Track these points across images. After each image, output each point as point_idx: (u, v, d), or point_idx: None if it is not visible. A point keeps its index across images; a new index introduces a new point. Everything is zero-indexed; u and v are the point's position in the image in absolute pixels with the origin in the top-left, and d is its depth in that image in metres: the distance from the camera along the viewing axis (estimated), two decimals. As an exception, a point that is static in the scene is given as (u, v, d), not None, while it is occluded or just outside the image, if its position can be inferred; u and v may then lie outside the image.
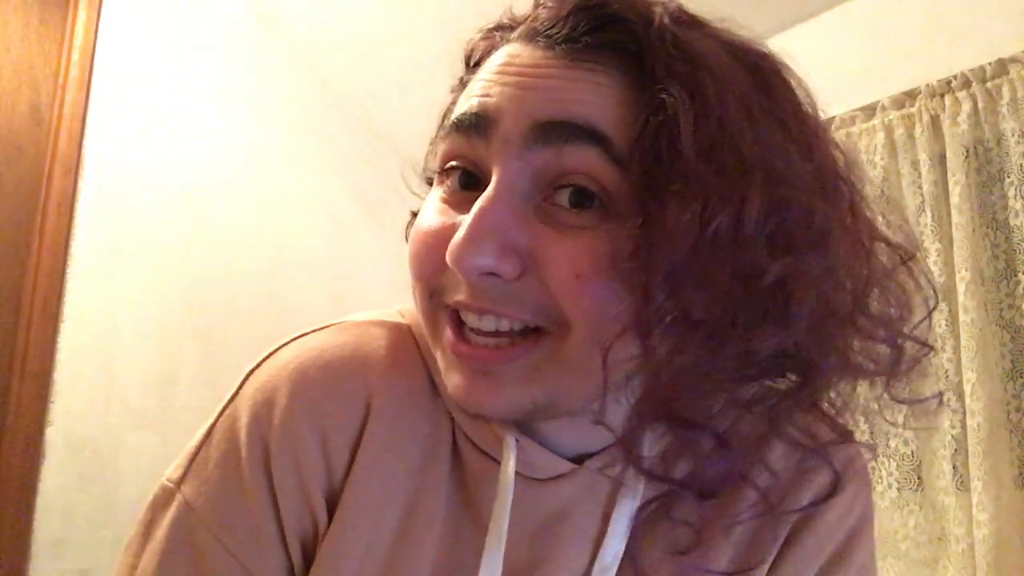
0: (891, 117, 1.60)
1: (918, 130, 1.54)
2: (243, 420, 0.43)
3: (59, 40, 1.70)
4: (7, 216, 1.59)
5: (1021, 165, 1.41)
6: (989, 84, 1.46)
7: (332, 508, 0.43)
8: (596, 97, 0.38)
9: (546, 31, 0.40)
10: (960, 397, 1.40)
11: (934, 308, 0.42)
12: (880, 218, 0.42)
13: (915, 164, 1.55)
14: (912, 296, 0.41)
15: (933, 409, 0.42)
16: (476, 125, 0.39)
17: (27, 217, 1.61)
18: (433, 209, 0.41)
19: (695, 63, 0.38)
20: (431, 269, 0.40)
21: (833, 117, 1.70)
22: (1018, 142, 1.41)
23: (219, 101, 1.95)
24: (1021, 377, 1.41)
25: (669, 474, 0.42)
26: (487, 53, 0.43)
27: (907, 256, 0.41)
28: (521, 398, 0.39)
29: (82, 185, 1.69)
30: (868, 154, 1.63)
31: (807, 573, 0.45)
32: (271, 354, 0.47)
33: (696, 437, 0.38)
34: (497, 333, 0.39)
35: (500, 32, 0.44)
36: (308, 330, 0.48)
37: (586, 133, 0.37)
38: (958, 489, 1.40)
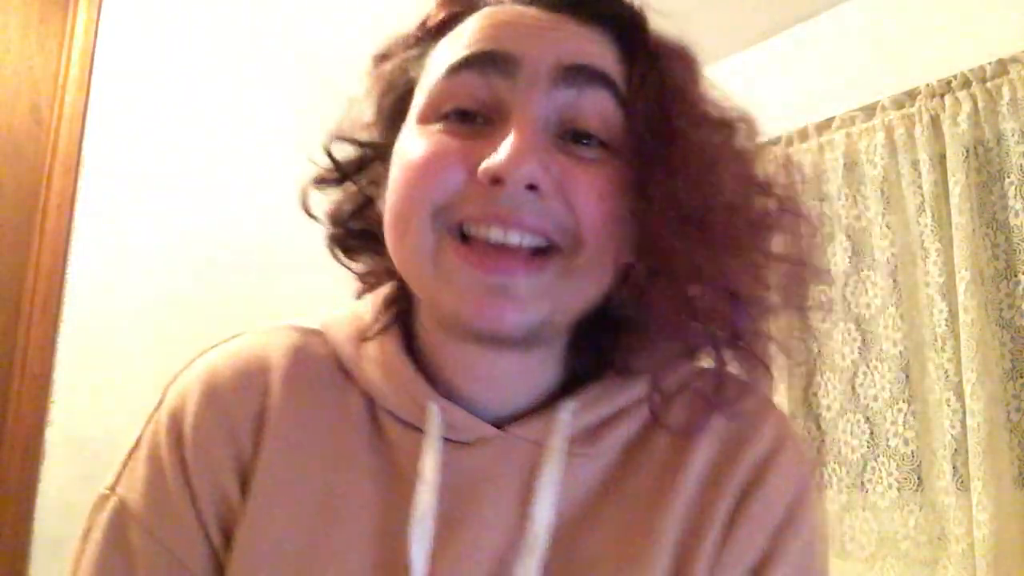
0: (891, 117, 1.60)
1: (918, 130, 1.55)
2: (163, 420, 0.47)
3: (59, 40, 1.71)
4: (7, 216, 1.59)
5: (1021, 165, 1.41)
6: (989, 84, 1.46)
7: (248, 493, 0.45)
8: (602, 50, 0.45)
9: None
10: (960, 397, 1.40)
11: (819, 239, 0.49)
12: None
13: (915, 164, 1.55)
14: (803, 232, 0.48)
15: (826, 313, 0.48)
16: (497, 62, 0.43)
17: (27, 217, 1.61)
18: (436, 139, 0.43)
19: (667, 38, 0.47)
20: (444, 188, 0.42)
21: (833, 117, 1.70)
22: (1018, 142, 1.42)
23: (219, 100, 1.95)
24: (1021, 377, 1.41)
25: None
26: (449, 21, 0.47)
27: (792, 201, 0.48)
28: (537, 313, 0.42)
29: (82, 185, 1.69)
30: (868, 154, 1.63)
31: (757, 541, 0.45)
32: (189, 364, 0.50)
33: (667, 302, 0.44)
34: (512, 249, 0.42)
35: (462, 2, 0.48)
36: (221, 341, 0.51)
37: (602, 78, 0.43)
38: (958, 489, 1.40)
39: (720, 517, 0.45)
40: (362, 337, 0.49)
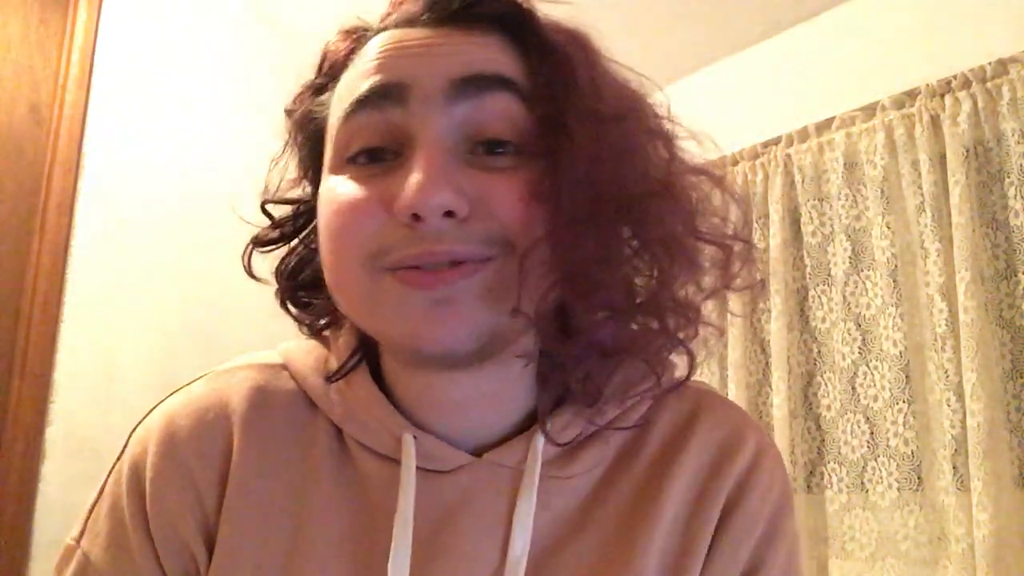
0: (891, 117, 1.60)
1: (918, 130, 1.55)
2: (124, 471, 0.47)
3: (59, 40, 1.70)
4: (7, 216, 1.59)
5: (1021, 165, 1.41)
6: (989, 84, 1.46)
7: (213, 542, 0.45)
8: (495, 54, 0.43)
9: (427, 12, 0.44)
10: (960, 397, 1.40)
11: (747, 211, 0.49)
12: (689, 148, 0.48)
13: (915, 164, 1.55)
14: (726, 206, 0.47)
15: (758, 292, 0.48)
16: (389, 94, 0.42)
17: (27, 217, 1.61)
18: (350, 187, 0.42)
19: (561, 26, 0.45)
20: (368, 235, 0.41)
21: (833, 117, 1.70)
22: (1018, 142, 1.42)
23: (219, 101, 1.95)
24: (1021, 377, 1.41)
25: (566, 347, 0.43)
26: (347, 57, 0.47)
27: (715, 177, 0.47)
28: (480, 320, 0.40)
29: (82, 185, 1.69)
30: (868, 154, 1.63)
31: (742, 553, 0.46)
32: (151, 411, 0.49)
33: (592, 308, 0.41)
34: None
35: (356, 34, 0.48)
36: (183, 385, 0.51)
37: (498, 81, 0.42)
38: (958, 489, 1.40)
39: (709, 532, 0.45)
40: (328, 377, 0.48)
